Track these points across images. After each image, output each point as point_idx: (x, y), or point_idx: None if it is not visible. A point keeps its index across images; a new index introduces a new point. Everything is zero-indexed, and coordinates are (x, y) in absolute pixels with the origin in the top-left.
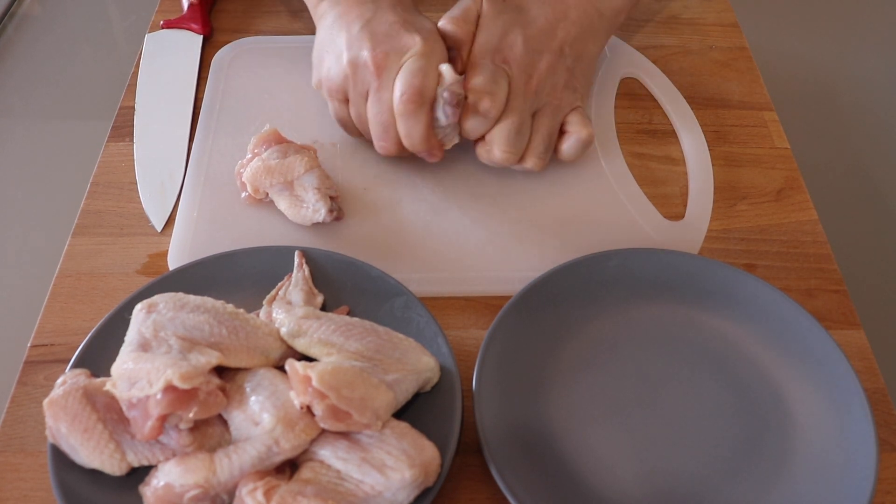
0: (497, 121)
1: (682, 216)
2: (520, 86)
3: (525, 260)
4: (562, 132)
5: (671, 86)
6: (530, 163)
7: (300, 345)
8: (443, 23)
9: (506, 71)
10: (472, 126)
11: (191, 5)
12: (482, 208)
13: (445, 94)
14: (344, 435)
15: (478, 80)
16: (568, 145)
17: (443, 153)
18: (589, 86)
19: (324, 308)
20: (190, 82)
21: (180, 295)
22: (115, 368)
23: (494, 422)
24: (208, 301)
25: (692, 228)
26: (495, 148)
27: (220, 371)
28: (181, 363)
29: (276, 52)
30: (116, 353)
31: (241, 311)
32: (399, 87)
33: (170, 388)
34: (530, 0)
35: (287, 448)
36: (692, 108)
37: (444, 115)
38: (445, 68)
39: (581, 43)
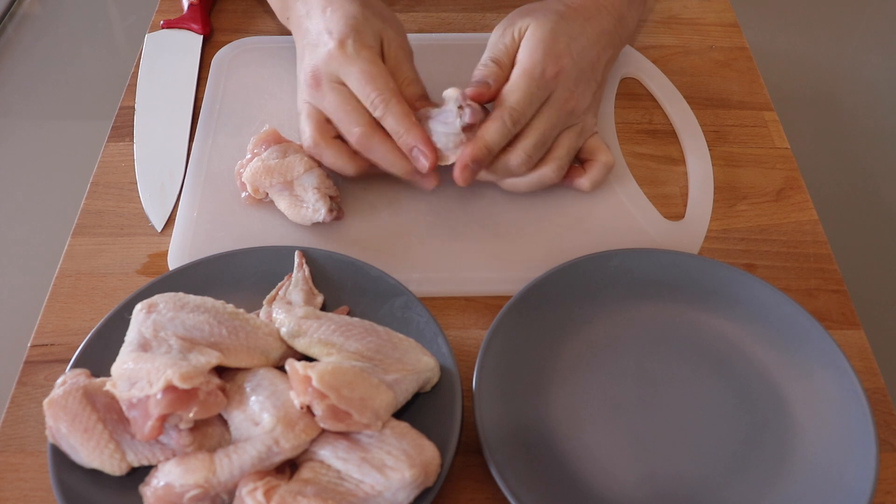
0: (521, 132)
1: (683, 216)
2: (559, 101)
3: (525, 260)
4: (583, 161)
5: (671, 86)
6: (550, 168)
7: (300, 345)
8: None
9: (549, 86)
10: (493, 133)
11: (191, 5)
12: (482, 208)
13: (457, 99)
14: (344, 435)
15: (514, 97)
16: (593, 172)
17: (437, 177)
18: (598, 109)
19: (324, 308)
20: (190, 82)
21: (180, 295)
22: (115, 368)
23: (494, 422)
24: (208, 301)
25: (692, 228)
26: (515, 152)
27: (220, 371)
28: (181, 363)
29: (276, 52)
30: (116, 353)
31: (241, 311)
32: None
33: (170, 388)
34: (574, 17)
35: (287, 448)
36: (692, 108)
37: (444, 123)
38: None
39: (608, 68)
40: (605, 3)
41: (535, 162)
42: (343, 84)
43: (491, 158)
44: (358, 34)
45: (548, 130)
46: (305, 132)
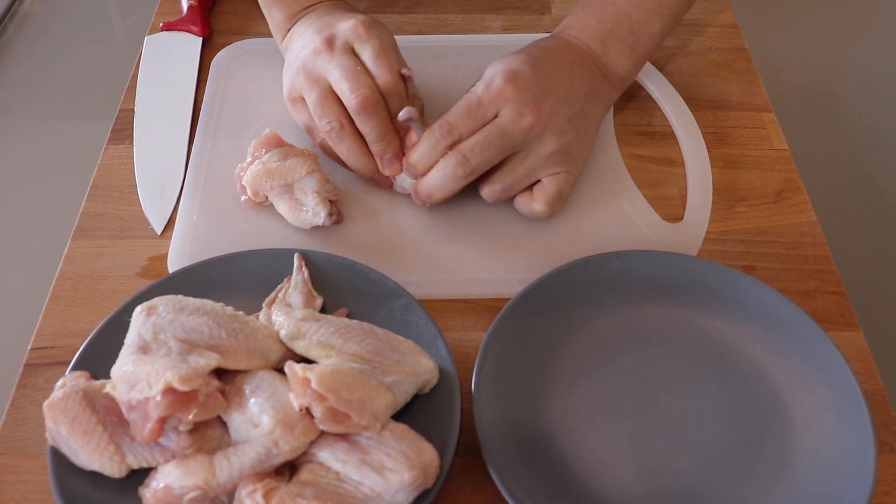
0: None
1: (681, 218)
2: (509, 120)
3: (524, 262)
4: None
5: (670, 87)
6: (486, 191)
7: (299, 347)
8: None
9: (493, 100)
10: (420, 146)
11: (190, 7)
12: (481, 211)
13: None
14: (343, 437)
15: (450, 111)
16: (544, 192)
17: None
18: (587, 151)
19: (323, 310)
20: (189, 85)
21: (180, 297)
22: (115, 371)
23: (493, 424)
24: (208, 303)
25: (691, 230)
26: (454, 155)
27: (220, 373)
28: (180, 365)
29: (275, 54)
30: (116, 356)
31: (241, 313)
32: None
33: (169, 391)
34: (543, 51)
35: (286, 450)
36: (691, 110)
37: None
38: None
39: (590, 99)
40: (576, 43)
41: (475, 170)
42: (355, 53)
43: (421, 170)
44: (379, 24)
45: (492, 139)
46: (326, 114)
